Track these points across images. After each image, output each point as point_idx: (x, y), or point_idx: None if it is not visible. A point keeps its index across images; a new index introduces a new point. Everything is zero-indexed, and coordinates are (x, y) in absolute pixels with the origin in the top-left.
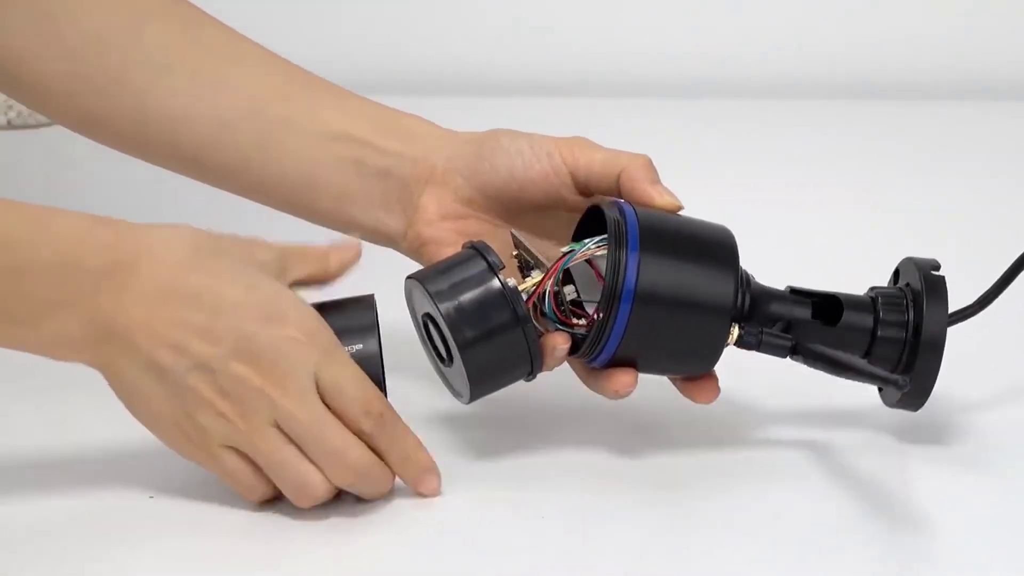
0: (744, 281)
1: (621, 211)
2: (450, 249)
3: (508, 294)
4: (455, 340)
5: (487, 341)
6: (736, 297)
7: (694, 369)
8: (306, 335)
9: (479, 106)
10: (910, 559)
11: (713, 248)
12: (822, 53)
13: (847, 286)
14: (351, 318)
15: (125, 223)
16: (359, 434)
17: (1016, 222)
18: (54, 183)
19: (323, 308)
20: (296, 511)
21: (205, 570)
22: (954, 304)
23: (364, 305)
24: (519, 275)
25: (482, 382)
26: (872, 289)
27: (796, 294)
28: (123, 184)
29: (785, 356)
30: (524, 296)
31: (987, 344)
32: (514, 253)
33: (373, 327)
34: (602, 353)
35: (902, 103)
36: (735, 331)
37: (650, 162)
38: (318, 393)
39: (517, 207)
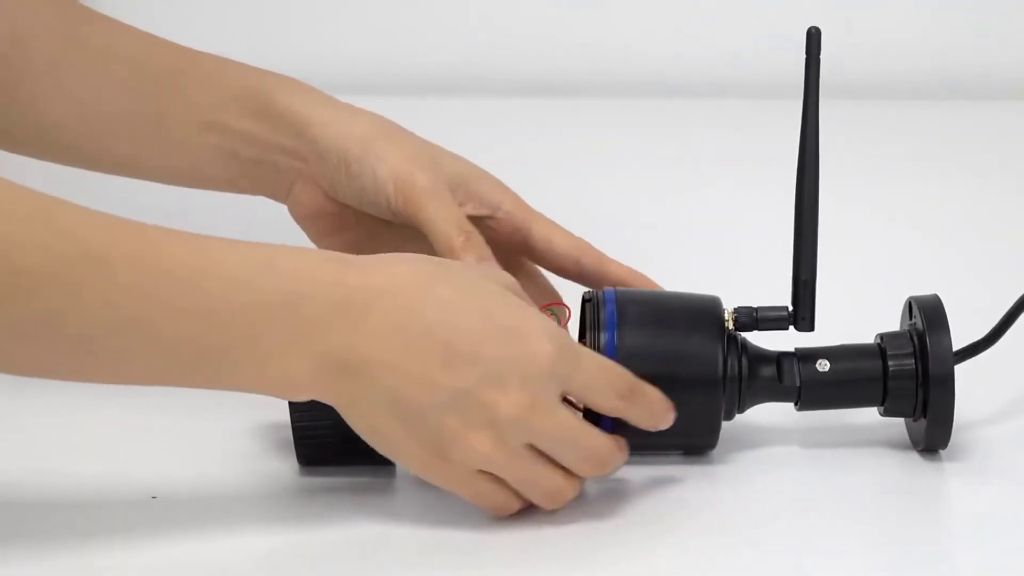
0: (739, 346)
1: (602, 297)
2: (324, 237)
3: None
4: None
5: None
6: (724, 364)
7: (699, 439)
8: (550, 344)
9: (479, 106)
10: (912, 563)
11: (695, 318)
12: (821, 53)
13: (847, 287)
14: None
15: (351, 258)
16: (613, 412)
17: (1018, 223)
18: (54, 184)
19: None
20: (298, 511)
21: (207, 570)
22: (966, 325)
23: None
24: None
25: None
26: (879, 336)
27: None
28: (124, 184)
29: (787, 327)
30: None
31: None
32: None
33: None
34: None
35: (902, 103)
36: (729, 316)
37: (454, 245)
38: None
39: (382, 217)
